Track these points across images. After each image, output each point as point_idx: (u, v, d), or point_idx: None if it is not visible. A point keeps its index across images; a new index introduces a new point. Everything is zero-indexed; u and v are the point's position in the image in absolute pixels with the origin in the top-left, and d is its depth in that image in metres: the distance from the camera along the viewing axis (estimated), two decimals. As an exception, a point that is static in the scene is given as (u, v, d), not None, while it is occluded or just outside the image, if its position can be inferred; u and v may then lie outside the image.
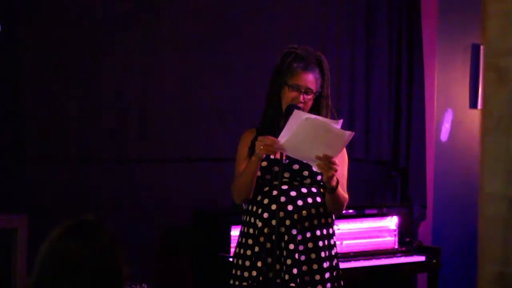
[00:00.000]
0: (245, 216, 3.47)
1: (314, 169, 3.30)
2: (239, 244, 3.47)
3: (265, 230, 3.35)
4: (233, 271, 3.45)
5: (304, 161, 3.32)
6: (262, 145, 3.23)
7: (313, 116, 3.20)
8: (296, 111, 3.19)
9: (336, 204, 3.38)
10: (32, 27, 4.20)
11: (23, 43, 4.18)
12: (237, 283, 3.42)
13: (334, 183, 3.27)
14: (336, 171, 3.22)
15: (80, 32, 4.36)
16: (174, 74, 4.70)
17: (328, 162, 3.18)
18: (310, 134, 3.16)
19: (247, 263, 3.39)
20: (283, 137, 3.19)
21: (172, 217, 4.70)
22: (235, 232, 4.08)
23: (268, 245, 3.33)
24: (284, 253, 3.34)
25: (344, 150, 3.47)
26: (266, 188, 3.40)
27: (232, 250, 3.83)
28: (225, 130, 4.76)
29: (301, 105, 3.36)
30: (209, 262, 4.48)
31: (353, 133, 3.21)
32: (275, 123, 3.41)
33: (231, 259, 3.55)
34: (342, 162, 3.42)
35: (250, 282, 3.36)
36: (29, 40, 4.20)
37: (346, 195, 3.41)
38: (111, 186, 4.50)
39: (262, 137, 3.26)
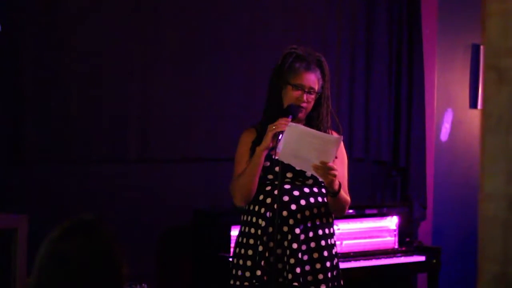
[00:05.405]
0: (245, 216, 3.46)
1: (308, 174, 3.33)
2: (238, 244, 3.46)
3: (269, 229, 3.35)
4: (233, 271, 3.45)
5: (302, 169, 3.34)
6: (274, 125, 3.25)
7: (294, 124, 3.25)
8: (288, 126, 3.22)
9: (338, 207, 3.41)
10: (32, 27, 4.20)
11: (23, 43, 4.18)
12: (238, 283, 3.41)
13: (336, 187, 3.30)
14: (335, 176, 3.24)
15: (80, 32, 4.35)
16: (174, 74, 4.70)
17: (326, 169, 3.20)
18: (300, 142, 3.20)
19: (249, 263, 3.39)
20: (280, 149, 3.22)
21: (172, 217, 4.70)
22: (235, 232, 4.07)
23: (271, 244, 3.33)
24: (287, 252, 3.34)
25: (343, 151, 3.48)
26: (268, 188, 3.40)
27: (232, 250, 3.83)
28: (225, 130, 4.75)
29: (304, 104, 3.37)
30: (209, 262, 4.48)
31: (342, 136, 3.25)
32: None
33: (231, 259, 3.55)
34: (341, 163, 3.43)
35: (254, 281, 3.35)
36: (29, 40, 4.20)
37: (348, 198, 3.43)
38: (111, 186, 4.50)
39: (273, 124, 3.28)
